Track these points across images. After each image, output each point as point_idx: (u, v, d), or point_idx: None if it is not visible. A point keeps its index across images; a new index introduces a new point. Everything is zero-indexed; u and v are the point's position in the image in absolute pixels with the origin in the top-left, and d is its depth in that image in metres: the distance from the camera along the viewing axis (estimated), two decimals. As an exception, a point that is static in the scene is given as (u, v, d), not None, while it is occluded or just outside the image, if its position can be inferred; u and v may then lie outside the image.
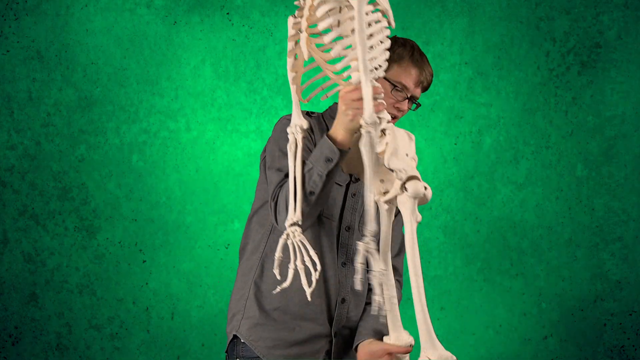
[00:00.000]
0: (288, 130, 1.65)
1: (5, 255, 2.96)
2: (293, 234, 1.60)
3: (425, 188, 1.50)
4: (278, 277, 1.64)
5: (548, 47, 3.11)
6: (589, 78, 3.11)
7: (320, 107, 2.05)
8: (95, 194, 2.99)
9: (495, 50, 3.10)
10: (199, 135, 3.03)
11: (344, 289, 1.85)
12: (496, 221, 3.11)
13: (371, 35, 1.51)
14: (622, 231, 3.11)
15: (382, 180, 1.58)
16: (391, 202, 1.54)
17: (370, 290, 1.93)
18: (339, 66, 1.54)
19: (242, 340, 1.87)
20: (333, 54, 1.52)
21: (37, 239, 2.97)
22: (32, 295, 2.98)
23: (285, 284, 1.61)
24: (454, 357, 1.40)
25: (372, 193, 1.50)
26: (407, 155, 1.53)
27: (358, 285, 1.57)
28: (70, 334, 3.00)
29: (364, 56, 1.47)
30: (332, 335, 1.86)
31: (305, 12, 1.54)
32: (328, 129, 1.87)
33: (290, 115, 1.77)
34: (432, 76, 1.92)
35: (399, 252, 1.97)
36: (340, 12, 1.53)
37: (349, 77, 1.54)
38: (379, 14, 1.54)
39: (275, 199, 1.72)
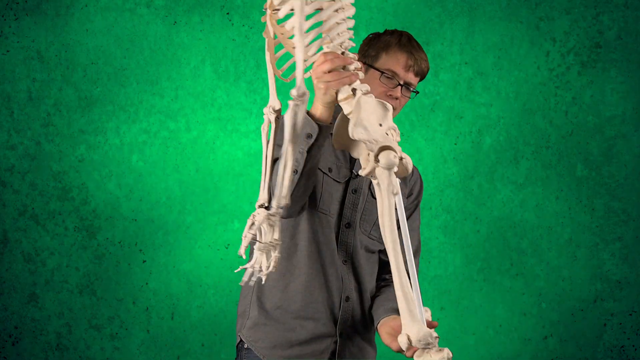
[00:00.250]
0: (264, 111, 1.69)
1: (5, 255, 2.96)
2: (259, 215, 1.60)
3: (401, 158, 1.43)
4: (243, 257, 1.64)
5: (548, 47, 3.11)
6: (589, 78, 3.11)
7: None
8: (95, 194, 2.99)
9: (495, 50, 3.10)
10: (199, 135, 3.03)
11: (348, 287, 1.82)
12: (496, 221, 3.11)
13: (321, 8, 1.49)
14: (622, 231, 3.11)
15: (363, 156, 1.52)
16: (373, 176, 1.47)
17: (385, 286, 1.91)
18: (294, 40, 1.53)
19: (245, 345, 1.86)
20: (287, 27, 1.51)
21: (37, 239, 2.97)
22: (32, 295, 2.98)
23: (249, 264, 1.64)
24: (434, 334, 1.34)
25: (290, 162, 1.44)
26: (380, 125, 1.45)
27: (241, 251, 1.57)
28: (70, 334, 3.00)
29: (301, 19, 1.45)
30: (338, 335, 1.82)
31: None
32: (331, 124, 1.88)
33: None
34: (427, 62, 1.87)
35: (416, 249, 1.92)
36: None
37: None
38: None
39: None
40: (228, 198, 3.05)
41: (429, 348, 1.35)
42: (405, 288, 1.37)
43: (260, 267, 1.65)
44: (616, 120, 3.11)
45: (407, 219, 1.89)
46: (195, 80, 3.03)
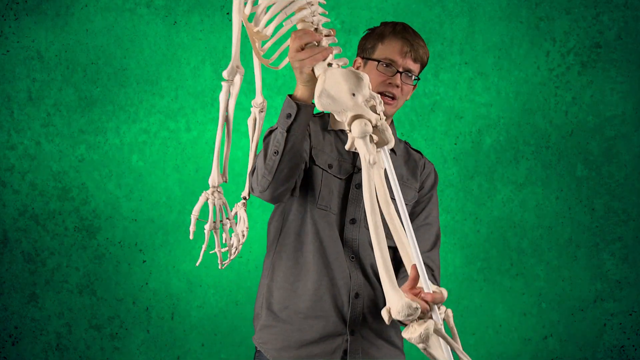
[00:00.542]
0: (252, 103, 1.72)
1: (5, 255, 2.96)
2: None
3: (376, 126, 1.39)
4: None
5: (548, 47, 3.11)
6: (589, 78, 3.11)
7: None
8: (95, 194, 2.99)
9: (495, 50, 3.10)
10: (199, 135, 3.03)
11: (356, 284, 1.79)
12: (496, 221, 3.11)
13: None
14: (622, 231, 3.11)
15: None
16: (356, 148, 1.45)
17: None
18: (261, 23, 1.57)
19: (257, 349, 1.85)
20: (259, 11, 1.56)
21: (37, 239, 2.97)
22: (32, 295, 2.98)
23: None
24: (414, 304, 1.27)
25: (219, 141, 1.57)
26: (353, 95, 1.42)
27: (191, 232, 1.64)
28: (70, 334, 3.00)
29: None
30: (349, 333, 1.78)
31: None
32: (329, 127, 1.87)
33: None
34: (425, 48, 1.85)
35: (432, 246, 1.86)
36: None
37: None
38: None
39: (252, 171, 1.76)
40: (228, 198, 3.04)
41: (409, 320, 1.29)
42: (387, 262, 1.32)
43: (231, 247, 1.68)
44: (616, 120, 3.11)
45: (421, 212, 1.85)
46: (195, 80, 3.03)
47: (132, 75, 3.00)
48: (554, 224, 3.12)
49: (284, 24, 1.55)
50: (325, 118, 1.91)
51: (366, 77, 1.45)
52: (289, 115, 1.59)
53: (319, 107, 1.44)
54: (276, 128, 1.63)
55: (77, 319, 3.00)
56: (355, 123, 1.39)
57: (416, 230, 1.84)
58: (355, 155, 1.85)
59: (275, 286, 1.83)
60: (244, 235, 1.87)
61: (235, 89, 1.69)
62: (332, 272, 1.78)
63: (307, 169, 1.81)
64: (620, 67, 3.09)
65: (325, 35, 1.51)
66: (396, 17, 3.08)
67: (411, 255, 1.41)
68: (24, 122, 2.96)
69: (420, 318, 1.34)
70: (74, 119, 2.98)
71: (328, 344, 1.77)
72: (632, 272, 3.12)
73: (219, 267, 1.74)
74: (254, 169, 1.73)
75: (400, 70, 1.81)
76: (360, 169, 1.82)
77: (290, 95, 1.59)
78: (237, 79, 1.69)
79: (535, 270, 3.12)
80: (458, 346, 1.32)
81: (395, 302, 1.29)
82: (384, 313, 1.31)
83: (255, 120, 1.83)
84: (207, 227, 1.68)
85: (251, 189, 1.74)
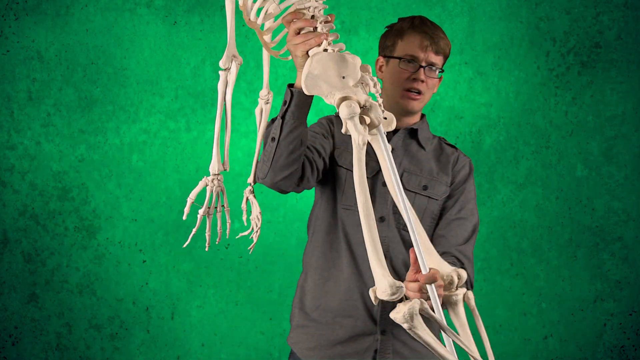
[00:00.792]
0: (259, 94, 1.80)
1: (5, 255, 2.96)
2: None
3: (363, 106, 1.39)
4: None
5: (548, 47, 3.11)
6: (589, 78, 3.10)
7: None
8: (95, 194, 2.99)
9: (495, 50, 3.10)
10: (199, 135, 3.03)
11: None
12: (496, 221, 3.11)
13: None
14: (622, 231, 3.11)
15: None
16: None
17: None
18: (254, 10, 1.59)
19: (292, 350, 1.86)
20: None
21: (37, 239, 2.97)
22: (32, 295, 2.98)
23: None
24: (398, 283, 1.25)
25: (217, 129, 1.63)
26: (343, 77, 1.42)
27: (185, 214, 1.71)
28: (70, 334, 3.00)
29: None
30: (380, 332, 1.77)
31: None
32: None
33: (329, 115, 1.91)
34: (446, 40, 1.83)
35: (464, 240, 1.82)
36: None
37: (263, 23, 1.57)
38: None
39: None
40: (228, 198, 3.05)
41: (393, 299, 1.27)
42: (376, 242, 1.30)
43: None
44: (616, 120, 3.11)
45: (453, 206, 1.83)
46: (195, 80, 3.02)
47: (132, 75, 3.00)
48: (554, 224, 3.12)
49: (273, 10, 1.57)
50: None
51: (357, 60, 1.44)
52: (285, 102, 1.60)
53: (305, 91, 1.44)
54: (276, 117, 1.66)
55: (77, 319, 3.00)
56: (343, 105, 1.38)
57: (448, 224, 1.81)
58: None
59: (307, 286, 1.85)
60: (259, 219, 1.88)
61: (231, 77, 1.70)
62: (361, 272, 1.79)
63: (326, 169, 1.82)
64: (620, 67, 3.09)
65: (325, 22, 1.51)
66: (396, 17, 3.08)
67: (412, 239, 1.42)
68: (24, 122, 2.95)
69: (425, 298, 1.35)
70: (74, 119, 2.98)
71: (358, 343, 1.76)
72: (632, 272, 3.12)
73: (206, 248, 1.78)
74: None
75: (423, 64, 1.80)
76: None
77: (290, 84, 1.61)
78: (234, 68, 1.70)
79: (535, 270, 3.12)
80: (444, 325, 1.31)
81: (380, 282, 1.28)
82: (370, 293, 1.31)
83: (261, 111, 1.86)
84: (200, 211, 1.72)
85: (257, 177, 1.75)
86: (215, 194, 1.73)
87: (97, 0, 2.96)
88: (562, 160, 3.12)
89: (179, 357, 3.05)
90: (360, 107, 1.38)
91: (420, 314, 1.26)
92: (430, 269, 1.43)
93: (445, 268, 1.46)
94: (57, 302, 2.99)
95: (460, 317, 1.46)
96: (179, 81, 3.02)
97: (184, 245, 1.83)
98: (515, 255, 3.12)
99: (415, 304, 1.25)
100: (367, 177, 1.80)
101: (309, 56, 1.50)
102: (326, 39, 1.47)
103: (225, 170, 1.75)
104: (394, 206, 1.80)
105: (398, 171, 1.81)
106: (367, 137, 1.37)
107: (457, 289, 1.46)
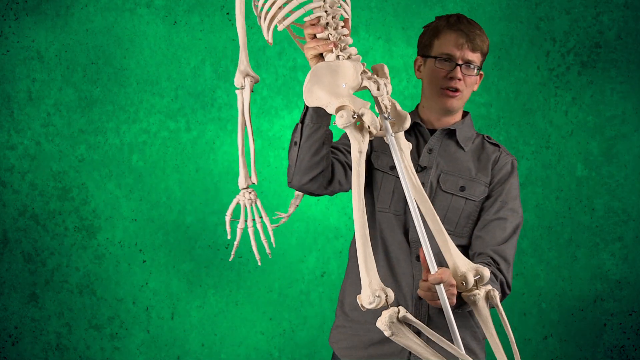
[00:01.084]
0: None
1: (5, 255, 2.96)
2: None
3: (354, 113, 1.41)
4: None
5: (548, 47, 3.11)
6: (589, 78, 3.10)
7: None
8: (95, 194, 2.99)
9: (495, 50, 3.10)
10: (199, 135, 3.03)
11: (419, 285, 1.75)
12: (496, 221, 3.11)
13: None
14: (622, 231, 3.11)
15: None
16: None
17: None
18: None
19: (333, 351, 1.89)
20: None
21: (37, 239, 2.97)
22: (32, 295, 2.98)
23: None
24: (377, 291, 1.29)
25: (241, 142, 1.71)
26: (343, 85, 1.45)
27: (228, 232, 1.78)
28: (70, 334, 3.00)
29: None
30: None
31: None
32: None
33: None
34: (483, 37, 1.81)
35: (503, 241, 1.79)
36: None
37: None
38: None
39: None
40: (228, 198, 3.05)
41: (374, 307, 1.31)
42: (367, 249, 1.34)
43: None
44: (616, 120, 3.11)
45: (492, 206, 1.81)
46: (195, 80, 3.03)
47: (132, 75, 3.00)
48: (554, 224, 3.12)
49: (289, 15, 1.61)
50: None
51: (358, 65, 1.48)
52: (305, 107, 1.66)
53: (306, 104, 1.49)
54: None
55: (77, 319, 3.00)
56: (337, 114, 1.42)
57: (486, 224, 1.79)
58: (418, 154, 1.85)
59: (347, 287, 1.87)
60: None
61: (246, 95, 1.77)
62: (395, 274, 1.79)
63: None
64: (620, 67, 3.09)
65: (335, 29, 1.56)
66: (396, 17, 3.08)
67: (421, 239, 1.45)
68: (24, 122, 2.96)
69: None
70: (74, 119, 2.98)
71: (394, 344, 1.75)
72: (632, 272, 3.12)
73: (259, 263, 1.87)
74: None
75: (459, 62, 1.79)
76: (422, 168, 1.82)
77: None
78: (247, 83, 1.76)
79: (535, 270, 3.12)
80: (431, 333, 1.32)
81: (363, 291, 1.31)
82: (357, 300, 1.35)
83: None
84: (239, 226, 1.80)
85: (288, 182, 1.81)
86: (249, 207, 1.79)
87: (97, 0, 2.96)
88: (562, 160, 3.12)
89: (179, 357, 3.05)
90: (353, 116, 1.40)
91: (403, 321, 1.29)
92: (439, 268, 1.44)
93: (461, 267, 1.46)
94: (57, 302, 2.99)
95: (482, 315, 1.46)
96: (179, 81, 3.02)
97: (230, 259, 1.91)
98: (516, 255, 3.13)
99: (393, 312, 1.28)
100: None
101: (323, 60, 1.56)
102: (335, 47, 1.52)
103: (253, 183, 1.80)
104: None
105: (435, 172, 1.82)
106: (365, 146, 1.41)
107: (478, 288, 1.46)
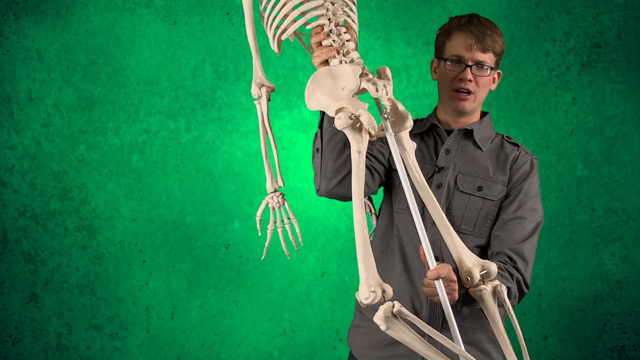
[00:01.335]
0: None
1: (5, 255, 2.96)
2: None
3: (352, 115, 1.46)
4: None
5: (548, 47, 3.11)
6: (589, 78, 3.10)
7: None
8: (95, 194, 2.99)
9: (495, 50, 3.10)
10: (199, 135, 3.03)
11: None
12: (496, 221, 3.11)
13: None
14: (622, 231, 3.11)
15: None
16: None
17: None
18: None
19: (350, 350, 1.91)
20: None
21: (37, 239, 2.97)
22: (32, 295, 2.98)
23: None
24: (371, 287, 1.32)
25: (264, 150, 1.81)
26: (342, 88, 1.52)
27: (259, 231, 1.87)
28: (70, 334, 3.00)
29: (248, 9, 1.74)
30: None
31: None
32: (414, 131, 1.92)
33: None
34: (495, 35, 1.80)
35: (521, 240, 1.77)
36: None
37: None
38: None
39: None
40: (228, 198, 3.05)
41: (369, 303, 1.34)
42: (366, 245, 1.38)
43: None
44: (616, 120, 3.11)
45: (510, 205, 1.80)
46: (195, 80, 3.02)
47: (132, 75, 3.00)
48: (554, 224, 3.12)
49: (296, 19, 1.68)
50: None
51: (356, 68, 1.53)
52: (321, 112, 1.70)
53: (311, 108, 1.54)
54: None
55: (77, 319, 3.00)
56: (336, 117, 1.48)
57: (504, 224, 1.79)
58: (437, 154, 1.86)
59: None
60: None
61: (263, 104, 1.86)
62: (411, 274, 1.80)
63: (386, 174, 1.87)
64: (620, 67, 3.09)
65: (338, 35, 1.63)
66: (396, 17, 3.08)
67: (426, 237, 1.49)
68: (24, 122, 2.96)
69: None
70: (74, 119, 2.98)
71: None
72: (632, 272, 3.12)
73: (288, 258, 1.96)
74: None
75: (469, 64, 1.79)
76: (440, 168, 1.83)
77: None
78: (263, 93, 1.85)
79: (535, 270, 3.12)
80: (428, 328, 1.34)
81: (360, 287, 1.36)
82: (356, 297, 1.38)
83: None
84: (269, 227, 1.89)
85: (317, 191, 1.85)
86: (277, 209, 1.89)
87: (97, 0, 2.96)
88: (562, 160, 3.12)
89: (179, 357, 3.05)
90: (351, 117, 1.46)
91: (399, 315, 1.31)
92: (438, 264, 1.47)
93: (467, 262, 1.48)
94: (57, 302, 2.99)
95: (489, 311, 1.46)
96: (179, 81, 3.02)
97: (262, 258, 1.99)
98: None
99: (388, 306, 1.31)
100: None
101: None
102: (337, 53, 1.58)
103: (280, 187, 1.90)
104: (447, 208, 1.81)
105: (452, 173, 1.82)
106: (363, 146, 1.46)
107: (485, 283, 1.47)
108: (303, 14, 1.65)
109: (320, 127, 1.72)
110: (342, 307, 3.10)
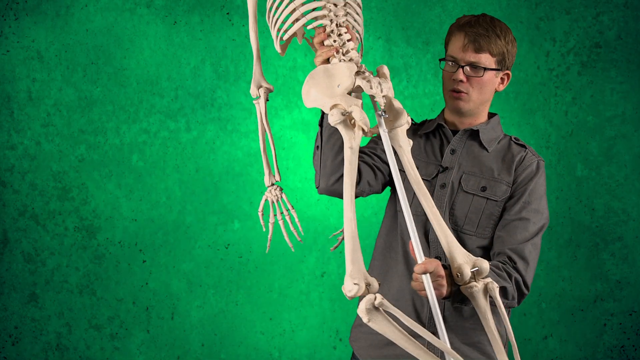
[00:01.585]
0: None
1: (5, 255, 2.96)
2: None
3: (344, 112, 1.49)
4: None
5: (548, 47, 3.11)
6: (589, 78, 3.10)
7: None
8: (95, 194, 2.99)
9: (495, 50, 3.10)
10: (199, 135, 3.03)
11: None
12: (496, 221, 3.11)
13: None
14: (622, 231, 3.11)
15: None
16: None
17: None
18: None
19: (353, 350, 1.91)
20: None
21: (37, 239, 2.97)
22: (32, 295, 2.98)
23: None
24: (354, 280, 1.33)
25: (263, 145, 1.88)
26: (338, 86, 1.56)
27: (262, 226, 1.93)
28: (70, 334, 3.00)
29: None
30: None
31: None
32: (420, 131, 1.94)
33: None
34: (490, 36, 1.79)
35: (522, 240, 1.76)
36: None
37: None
38: None
39: None
40: (228, 198, 3.05)
41: (352, 296, 1.34)
42: (355, 240, 1.39)
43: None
44: (616, 120, 3.11)
45: (514, 206, 1.80)
46: (195, 80, 3.03)
47: (132, 75, 3.00)
48: (554, 224, 3.12)
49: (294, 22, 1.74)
50: (417, 124, 1.96)
51: (352, 66, 1.57)
52: (321, 112, 1.74)
53: (307, 106, 1.58)
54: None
55: (77, 319, 3.00)
56: (329, 113, 1.51)
57: (507, 224, 1.78)
58: (442, 154, 1.87)
59: None
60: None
61: (261, 104, 1.91)
62: (411, 273, 1.80)
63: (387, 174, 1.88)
64: (620, 67, 3.09)
65: (339, 35, 1.67)
66: (396, 17, 3.08)
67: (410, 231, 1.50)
68: (24, 122, 2.96)
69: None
70: (74, 119, 2.98)
71: None
72: (632, 272, 3.12)
73: (292, 249, 2.02)
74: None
75: (462, 64, 1.80)
76: (444, 168, 1.84)
77: None
78: (261, 94, 1.90)
79: (535, 270, 3.12)
80: (411, 323, 1.34)
81: (345, 281, 1.37)
82: (342, 290, 1.39)
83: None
84: (270, 220, 1.95)
85: (317, 188, 1.88)
86: (276, 202, 1.95)
87: (97, 0, 2.96)
88: (562, 160, 3.12)
89: (179, 357, 3.05)
90: (343, 113, 1.50)
91: (381, 308, 1.31)
92: (426, 259, 1.48)
93: (458, 259, 1.47)
94: (57, 302, 2.99)
95: (480, 308, 1.45)
96: (179, 81, 3.02)
97: (266, 251, 2.08)
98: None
99: (370, 298, 1.31)
100: (426, 180, 1.82)
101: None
102: (336, 52, 1.62)
103: (277, 181, 1.95)
104: (451, 208, 1.81)
105: (457, 173, 1.83)
106: (356, 142, 1.49)
107: (476, 281, 1.46)
108: (305, 15, 1.69)
109: (320, 125, 1.75)
110: (342, 307, 3.10)
